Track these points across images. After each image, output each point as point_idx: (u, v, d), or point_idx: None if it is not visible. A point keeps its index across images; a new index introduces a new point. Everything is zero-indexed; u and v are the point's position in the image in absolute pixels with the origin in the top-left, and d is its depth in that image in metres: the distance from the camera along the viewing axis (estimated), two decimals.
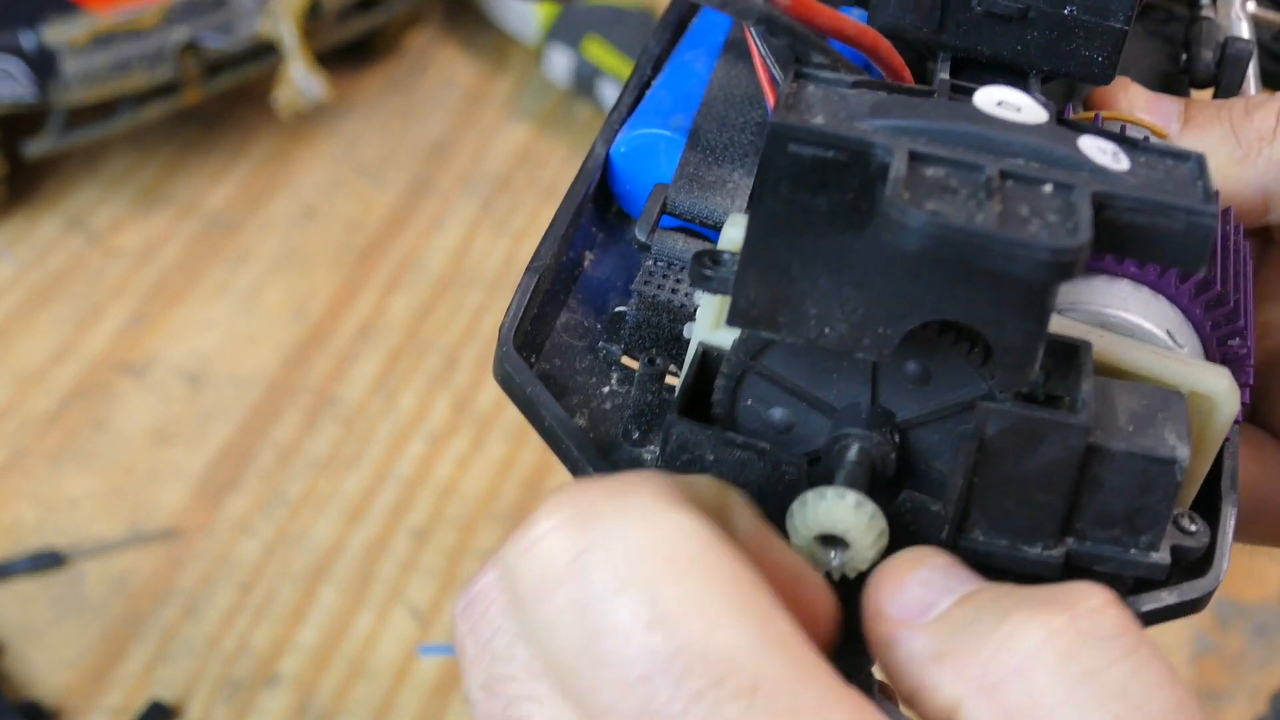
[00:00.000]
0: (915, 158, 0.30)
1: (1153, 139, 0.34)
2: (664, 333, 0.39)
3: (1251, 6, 0.50)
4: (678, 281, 0.40)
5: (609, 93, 1.57)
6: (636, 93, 0.46)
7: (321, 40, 1.48)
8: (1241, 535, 0.45)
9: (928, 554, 0.32)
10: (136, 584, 1.14)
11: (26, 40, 1.33)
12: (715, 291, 0.34)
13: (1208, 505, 0.37)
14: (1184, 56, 0.48)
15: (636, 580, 0.28)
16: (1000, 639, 0.29)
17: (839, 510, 0.32)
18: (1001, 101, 0.34)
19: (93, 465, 1.22)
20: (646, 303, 0.39)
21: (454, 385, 1.32)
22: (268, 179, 1.52)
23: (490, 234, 1.48)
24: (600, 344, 0.41)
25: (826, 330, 0.32)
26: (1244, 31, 0.48)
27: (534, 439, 1.27)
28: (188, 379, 1.30)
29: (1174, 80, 0.50)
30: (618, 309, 0.40)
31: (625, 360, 0.40)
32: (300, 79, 1.45)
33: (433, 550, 1.18)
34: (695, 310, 0.38)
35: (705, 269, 0.34)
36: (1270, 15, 0.51)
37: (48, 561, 1.13)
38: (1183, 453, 0.33)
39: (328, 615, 1.13)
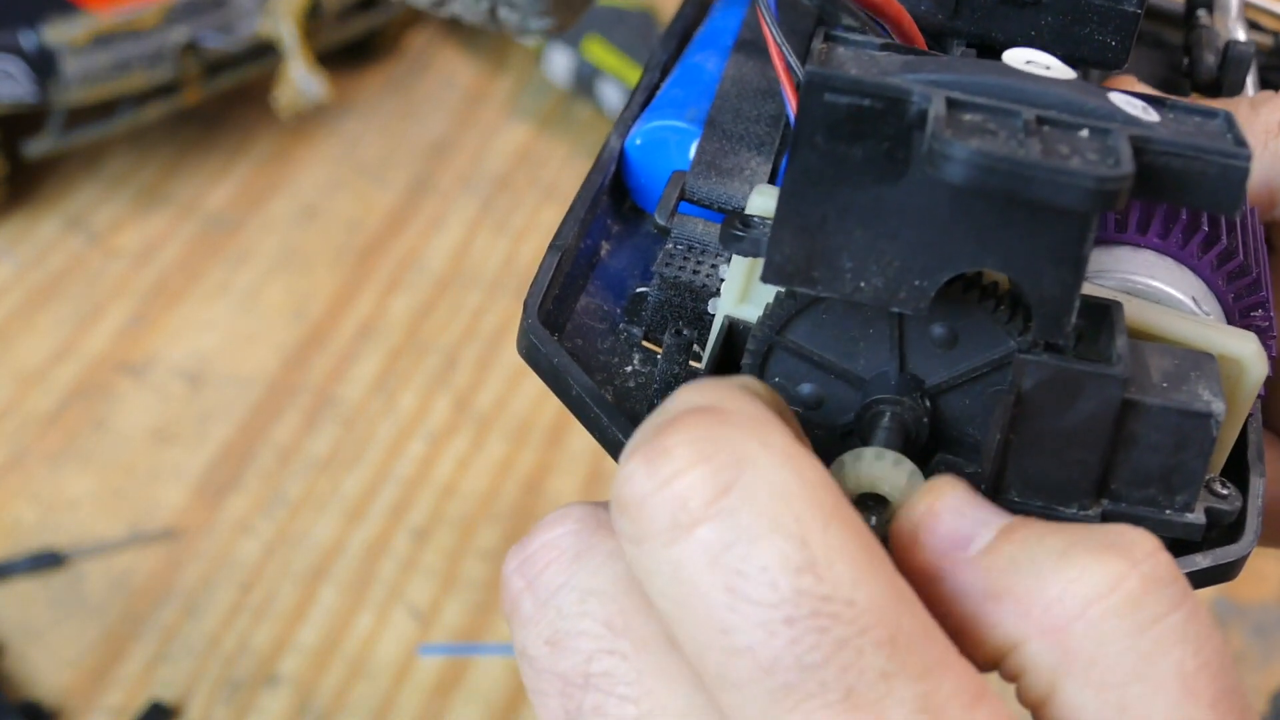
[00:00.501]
0: (952, 104, 0.30)
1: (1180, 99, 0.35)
2: (686, 312, 0.39)
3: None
4: (699, 263, 0.40)
5: (609, 93, 1.57)
6: (647, 93, 0.46)
7: (321, 40, 1.49)
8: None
9: (948, 482, 0.32)
10: (136, 584, 1.14)
11: (26, 40, 1.33)
12: (746, 253, 0.34)
13: (1235, 477, 0.37)
14: (1185, 61, 0.48)
15: (785, 523, 0.28)
16: (1065, 581, 0.29)
17: (879, 468, 0.32)
18: (1030, 60, 0.34)
19: (93, 465, 1.22)
20: (668, 283, 0.39)
21: (454, 385, 1.32)
22: (268, 179, 1.52)
23: (490, 234, 1.48)
24: (621, 325, 0.41)
25: (862, 284, 0.32)
26: (1242, 37, 0.49)
27: (534, 439, 1.27)
28: (188, 379, 1.30)
29: (1175, 85, 0.51)
30: (639, 290, 0.40)
31: (646, 343, 0.40)
32: (300, 79, 1.45)
33: (433, 550, 1.18)
34: (718, 288, 0.38)
35: (736, 230, 0.34)
36: (1262, 38, 0.52)
37: (48, 561, 1.14)
38: (1218, 407, 0.33)
39: (328, 615, 1.13)
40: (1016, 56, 0.34)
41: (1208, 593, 1.18)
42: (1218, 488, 0.36)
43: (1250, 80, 0.48)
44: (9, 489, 1.20)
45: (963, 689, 0.28)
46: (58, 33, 1.34)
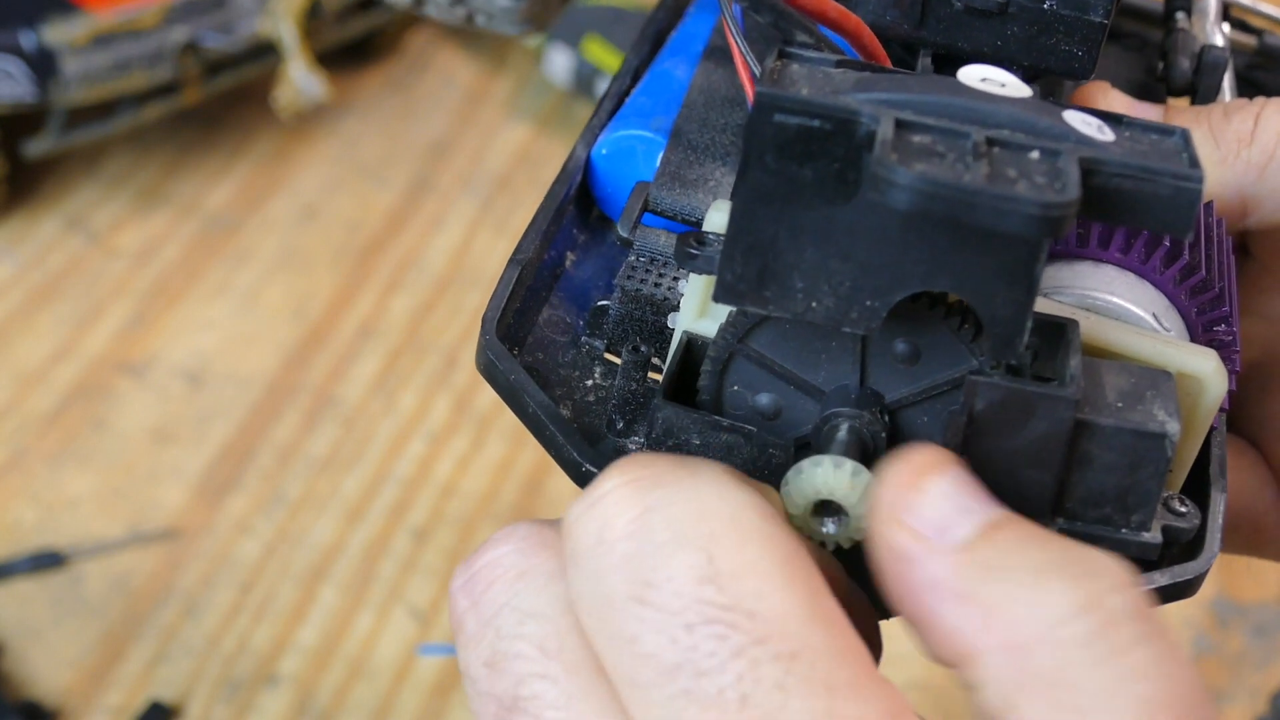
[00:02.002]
0: (901, 125, 0.30)
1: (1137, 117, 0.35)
2: (647, 326, 0.39)
3: (1226, 28, 0.51)
4: (660, 276, 0.40)
5: None
6: (616, 100, 0.46)
7: (321, 40, 1.49)
8: (1223, 545, 0.46)
9: (945, 460, 0.31)
10: (136, 584, 1.14)
11: (26, 40, 1.33)
12: (700, 271, 0.34)
13: (1196, 492, 0.37)
14: (1160, 65, 0.48)
15: (697, 539, 0.29)
16: (1033, 600, 0.29)
17: (835, 476, 0.33)
18: (985, 78, 0.34)
19: (93, 465, 1.22)
20: (629, 296, 0.39)
21: (454, 385, 1.32)
22: (268, 179, 1.52)
23: (490, 234, 1.48)
24: (583, 339, 0.41)
25: (814, 304, 0.32)
26: (1219, 41, 0.49)
27: (534, 439, 1.27)
28: (188, 379, 1.30)
29: (1150, 89, 0.50)
30: (600, 303, 0.40)
31: (609, 356, 0.40)
32: (300, 79, 1.45)
33: (433, 550, 1.18)
34: (679, 302, 0.38)
35: (690, 248, 0.34)
36: (1246, 38, 0.52)
37: (48, 561, 1.14)
38: (1172, 427, 0.33)
39: (328, 615, 1.13)
40: (972, 74, 0.34)
41: (1207, 592, 1.18)
42: (1176, 505, 0.36)
43: (1227, 84, 0.48)
44: (9, 489, 1.20)
45: (873, 710, 0.28)
46: (58, 33, 1.34)
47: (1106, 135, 0.32)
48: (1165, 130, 0.33)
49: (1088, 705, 0.28)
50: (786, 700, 0.27)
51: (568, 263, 0.43)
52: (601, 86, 1.58)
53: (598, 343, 0.40)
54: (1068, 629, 0.29)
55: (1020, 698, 0.29)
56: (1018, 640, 0.29)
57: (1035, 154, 0.30)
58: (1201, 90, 0.47)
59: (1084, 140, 0.31)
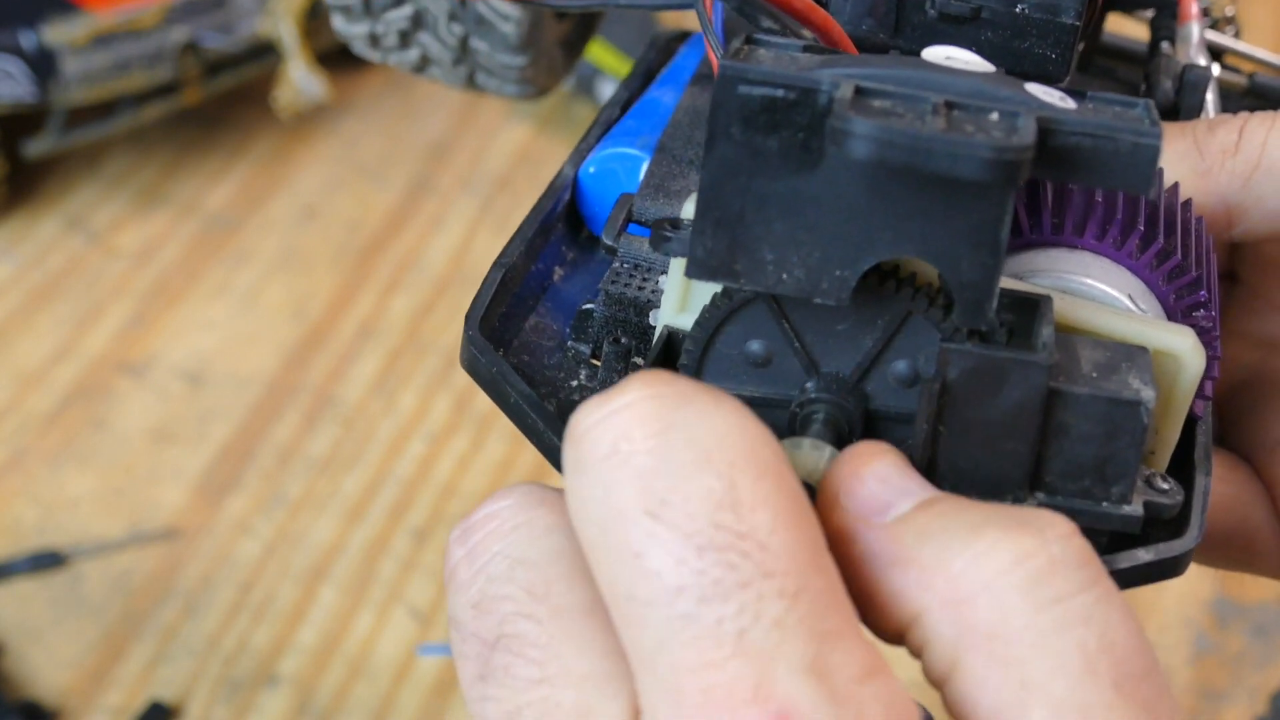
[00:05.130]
0: (861, 91, 0.31)
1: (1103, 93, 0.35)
2: (631, 327, 0.40)
3: (1216, 68, 0.51)
4: (644, 280, 0.40)
5: (609, 93, 1.57)
6: (605, 127, 0.47)
7: (321, 40, 1.49)
8: (1215, 560, 0.46)
9: (882, 449, 0.32)
10: (136, 584, 1.14)
11: (26, 40, 1.33)
12: (674, 253, 0.35)
13: (1182, 475, 0.37)
14: (1143, 88, 0.49)
15: (720, 463, 0.29)
16: (970, 555, 0.29)
17: (813, 459, 0.33)
18: (950, 57, 0.35)
19: (93, 465, 1.22)
20: (613, 299, 0.40)
21: (454, 385, 1.32)
22: (268, 179, 1.52)
23: (490, 234, 1.48)
24: (569, 343, 0.41)
25: (784, 276, 0.32)
26: (1202, 62, 0.49)
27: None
28: (188, 379, 1.30)
29: None
30: (585, 306, 0.41)
31: (594, 361, 0.41)
32: (300, 79, 1.45)
33: (433, 550, 1.18)
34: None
35: (665, 232, 0.35)
36: (1235, 78, 0.52)
37: (48, 561, 1.14)
38: (1147, 395, 0.33)
39: (328, 615, 1.13)
40: (937, 53, 0.35)
41: (1207, 592, 1.19)
42: (1159, 482, 0.36)
43: (1210, 102, 0.48)
44: (9, 489, 1.20)
45: (856, 661, 0.28)
46: (58, 33, 1.34)
47: (1068, 104, 0.33)
48: (1129, 102, 0.33)
49: (1027, 654, 0.28)
50: (782, 639, 0.27)
51: (555, 277, 0.44)
52: (602, 87, 1.58)
53: (583, 347, 0.41)
54: (1005, 578, 0.29)
55: (961, 652, 0.29)
56: (957, 594, 0.29)
57: (995, 115, 0.31)
58: (1184, 109, 0.47)
59: (1045, 106, 0.32)
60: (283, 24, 1.44)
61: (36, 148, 1.39)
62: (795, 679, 0.27)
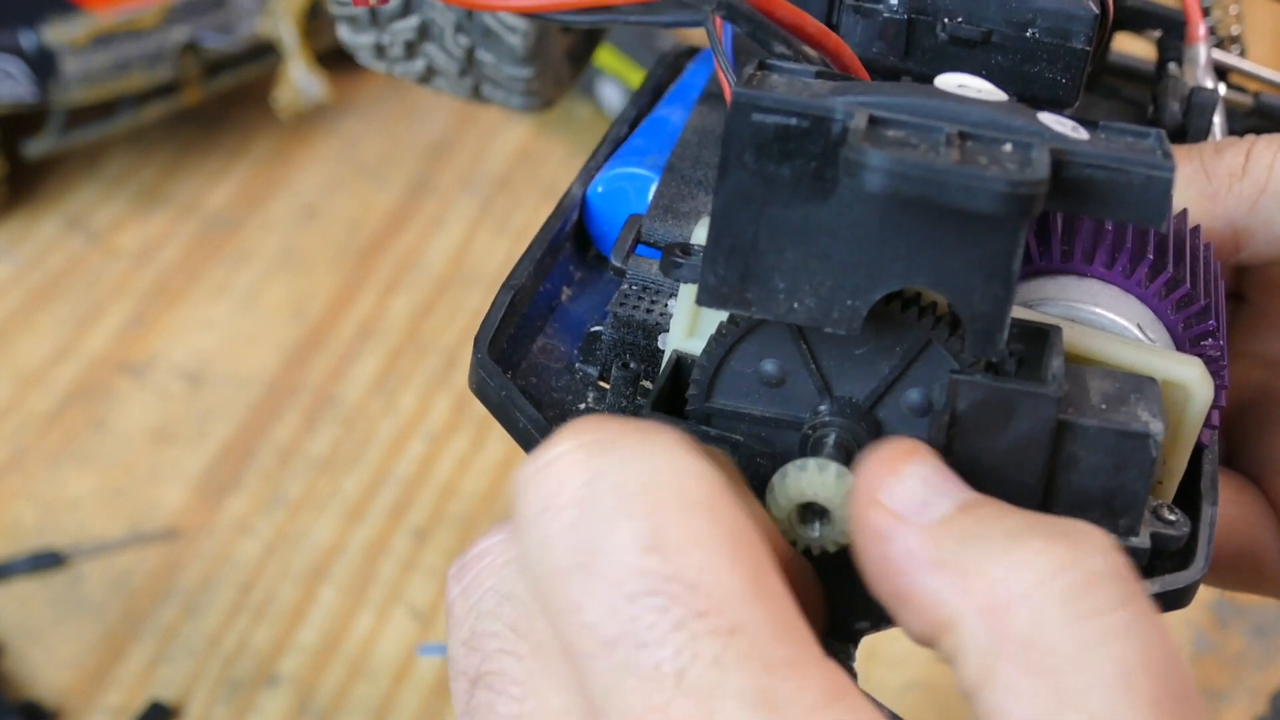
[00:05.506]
0: (875, 121, 0.31)
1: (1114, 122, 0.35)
2: (639, 350, 0.40)
3: (1222, 88, 0.51)
4: (652, 302, 0.40)
5: (609, 93, 1.57)
6: (613, 145, 0.47)
7: (321, 40, 1.49)
8: (1222, 581, 0.45)
9: (922, 449, 0.32)
10: (136, 584, 1.14)
11: (26, 40, 1.33)
12: (685, 279, 0.35)
13: (1187, 506, 0.37)
14: (1150, 109, 0.49)
15: (643, 508, 0.29)
16: (1010, 563, 0.29)
17: (821, 480, 0.33)
18: (962, 84, 0.35)
19: (93, 465, 1.22)
20: (622, 322, 0.40)
21: (454, 385, 1.32)
22: (268, 179, 1.52)
23: (490, 234, 1.48)
24: (577, 365, 0.41)
25: (795, 305, 0.32)
26: (1209, 84, 0.49)
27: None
28: (188, 379, 1.30)
29: None
30: (594, 329, 0.41)
31: (601, 383, 0.41)
32: (300, 79, 1.45)
33: (433, 550, 1.18)
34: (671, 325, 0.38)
35: (676, 258, 0.35)
36: (1241, 98, 0.52)
37: (48, 561, 1.13)
38: (1156, 427, 0.33)
39: (328, 615, 1.13)
40: (949, 81, 0.35)
41: (1208, 592, 1.18)
42: (1165, 514, 0.36)
43: (1218, 125, 0.48)
44: (9, 489, 1.20)
45: (812, 689, 0.28)
46: (58, 33, 1.34)
47: (1081, 134, 0.32)
48: (1140, 133, 0.33)
49: (1065, 666, 0.28)
50: (724, 676, 0.27)
51: (564, 297, 0.44)
52: (602, 86, 1.58)
53: (591, 369, 0.41)
54: (1045, 588, 0.28)
55: (997, 661, 0.28)
56: (995, 602, 0.29)
57: (1008, 146, 0.31)
58: (1192, 131, 0.47)
59: (1058, 137, 0.32)
60: (283, 24, 1.43)
61: (36, 148, 1.39)
62: (744, 714, 0.27)
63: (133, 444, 1.24)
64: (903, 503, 0.31)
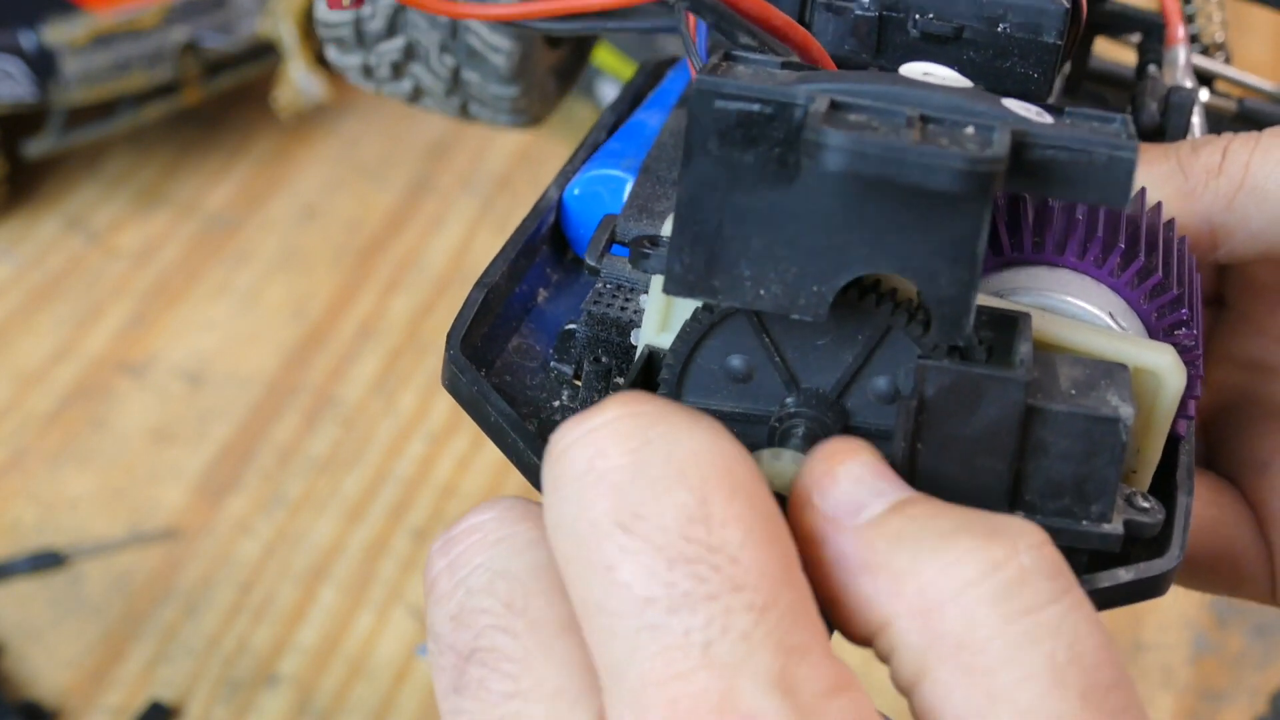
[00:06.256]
0: (836, 105, 0.31)
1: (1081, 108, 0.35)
2: (614, 347, 0.40)
3: (1205, 93, 0.51)
4: (626, 301, 0.40)
5: (609, 93, 1.57)
6: (590, 150, 0.47)
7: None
8: (1202, 584, 0.45)
9: (857, 447, 0.32)
10: (136, 584, 1.14)
11: (26, 40, 1.33)
12: (653, 270, 0.35)
13: (1164, 495, 0.37)
14: (1129, 109, 0.49)
15: (693, 479, 0.29)
16: (940, 564, 0.29)
17: (785, 467, 0.33)
18: (927, 73, 0.35)
19: (93, 465, 1.22)
20: (595, 319, 0.40)
21: None
22: (268, 179, 1.52)
23: (490, 234, 1.48)
24: (552, 363, 0.41)
25: (762, 292, 0.32)
26: (1189, 84, 0.49)
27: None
28: (188, 379, 1.30)
29: None
30: (568, 326, 0.41)
31: (576, 382, 0.41)
32: (300, 79, 1.45)
33: None
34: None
35: (644, 249, 0.35)
36: (1225, 103, 0.52)
37: (48, 561, 1.14)
38: (1126, 411, 0.33)
39: (328, 615, 1.13)
40: (915, 69, 0.35)
41: (1205, 594, 1.18)
42: (1139, 501, 0.36)
43: (1196, 125, 0.48)
44: (9, 489, 1.20)
45: (823, 676, 0.28)
46: (58, 33, 1.34)
47: (1045, 119, 0.33)
48: (1106, 117, 0.33)
49: (995, 665, 0.28)
50: (750, 653, 0.28)
51: (540, 298, 0.44)
52: (602, 86, 1.58)
53: (565, 367, 0.41)
54: (976, 588, 0.29)
55: (930, 661, 0.29)
56: (926, 603, 0.29)
57: (970, 129, 0.31)
58: (1170, 131, 0.47)
59: (1021, 120, 0.32)
60: (283, 24, 1.44)
61: (36, 148, 1.39)
62: (761, 692, 0.27)
63: (133, 444, 1.24)
64: (836, 505, 0.31)
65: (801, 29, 0.38)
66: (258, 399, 1.29)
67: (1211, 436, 0.47)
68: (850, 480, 0.31)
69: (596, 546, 0.29)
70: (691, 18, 0.39)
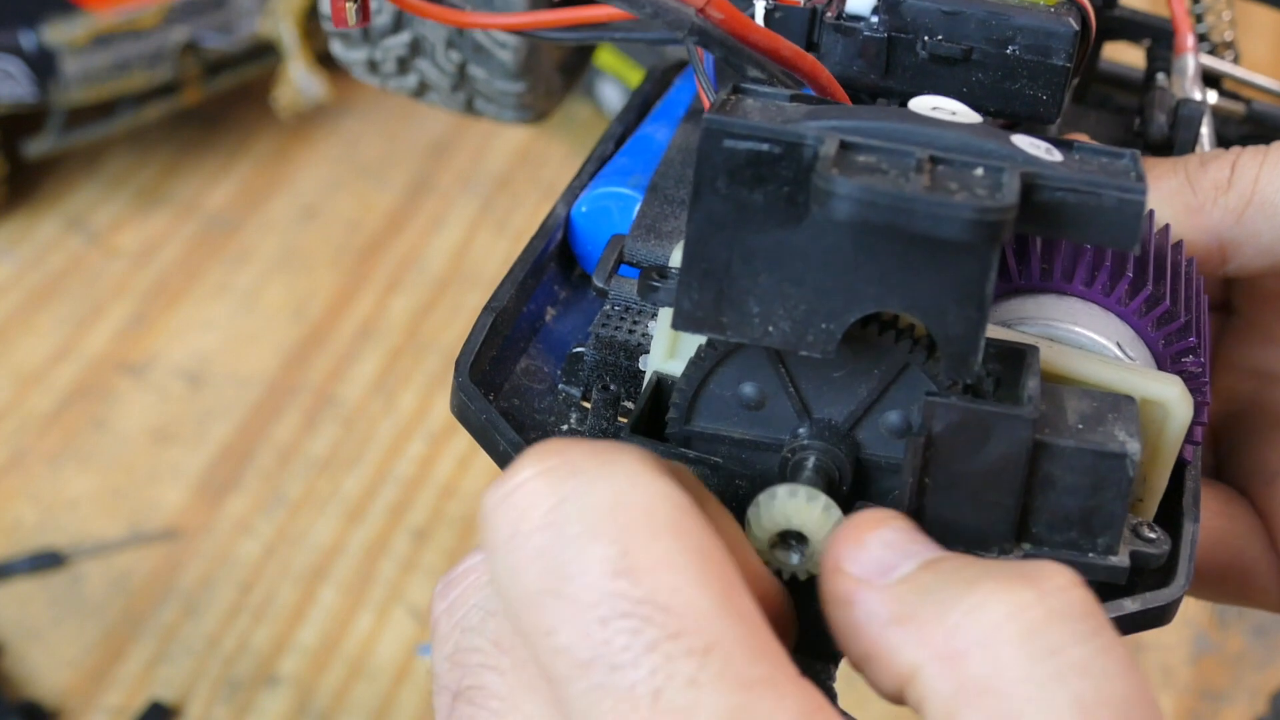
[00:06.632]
0: (846, 146, 0.31)
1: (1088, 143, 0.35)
2: (621, 371, 0.40)
3: (1212, 96, 0.51)
4: (634, 323, 0.40)
5: (609, 93, 1.57)
6: (598, 163, 0.47)
7: (321, 40, 1.49)
8: (1211, 594, 0.45)
9: (890, 516, 0.32)
10: (136, 584, 1.14)
11: (26, 40, 1.33)
12: (661, 303, 0.35)
13: (1170, 523, 0.37)
14: (1137, 121, 0.49)
15: (610, 531, 0.29)
16: (966, 609, 0.29)
17: (800, 505, 0.33)
18: (936, 107, 0.35)
19: (93, 465, 1.22)
20: (604, 343, 0.40)
21: None
22: (268, 179, 1.52)
23: (490, 234, 1.48)
24: (560, 386, 0.41)
25: (770, 329, 0.32)
26: (1197, 96, 0.49)
27: None
28: (188, 379, 1.30)
29: (1128, 145, 0.51)
30: (576, 349, 0.41)
31: (584, 403, 0.41)
32: (300, 79, 1.45)
33: (433, 550, 1.18)
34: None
35: (652, 281, 0.35)
36: (1234, 105, 0.52)
37: (48, 561, 1.14)
38: (1133, 447, 0.33)
39: (328, 615, 1.13)
40: (923, 103, 0.35)
41: None
42: (1145, 531, 0.36)
43: (1205, 136, 0.48)
44: (9, 489, 1.20)
45: (788, 707, 0.28)
46: (58, 33, 1.34)
47: (1055, 157, 0.32)
48: (1115, 154, 0.33)
49: (1023, 706, 0.28)
50: (699, 696, 0.27)
51: (548, 317, 0.44)
52: (602, 86, 1.58)
53: (574, 390, 0.41)
54: (1002, 631, 0.29)
55: (958, 706, 0.28)
56: (953, 649, 0.29)
57: (980, 170, 0.31)
58: (1179, 144, 0.47)
59: (1031, 160, 0.32)
60: (283, 24, 1.43)
61: (36, 148, 1.39)
62: None
63: (133, 444, 1.24)
64: (865, 568, 0.31)
65: (810, 58, 0.38)
66: (258, 399, 1.29)
67: (1220, 446, 0.47)
68: (881, 545, 0.31)
69: (534, 614, 0.29)
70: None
